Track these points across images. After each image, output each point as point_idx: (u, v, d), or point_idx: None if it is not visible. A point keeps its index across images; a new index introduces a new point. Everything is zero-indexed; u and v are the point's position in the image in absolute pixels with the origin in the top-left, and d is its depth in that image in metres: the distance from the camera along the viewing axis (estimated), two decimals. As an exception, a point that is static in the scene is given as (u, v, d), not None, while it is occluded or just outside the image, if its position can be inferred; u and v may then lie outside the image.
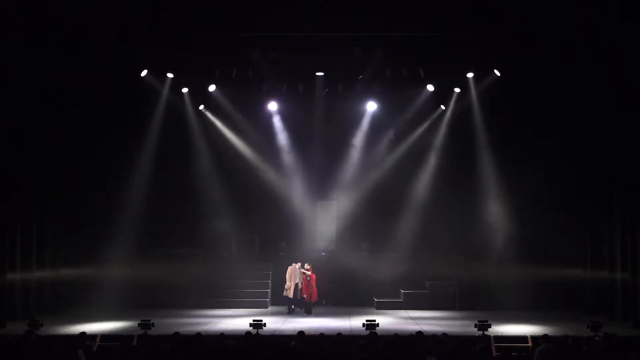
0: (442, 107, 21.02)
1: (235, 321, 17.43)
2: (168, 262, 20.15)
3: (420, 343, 11.98)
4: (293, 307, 19.11)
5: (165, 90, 20.06)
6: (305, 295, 19.06)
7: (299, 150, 21.61)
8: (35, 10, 15.99)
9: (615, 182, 18.00)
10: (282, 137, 21.66)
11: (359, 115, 21.33)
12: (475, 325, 14.03)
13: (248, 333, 13.06)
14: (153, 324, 13.92)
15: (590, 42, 16.65)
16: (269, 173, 21.61)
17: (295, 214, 21.59)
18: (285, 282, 19.19)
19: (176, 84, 20.14)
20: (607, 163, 18.15)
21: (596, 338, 12.71)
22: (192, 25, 16.82)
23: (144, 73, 19.24)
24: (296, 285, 19.02)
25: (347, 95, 20.60)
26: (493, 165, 20.30)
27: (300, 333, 12.79)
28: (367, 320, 13.86)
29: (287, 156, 21.66)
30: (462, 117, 20.63)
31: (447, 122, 21.07)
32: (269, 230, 21.71)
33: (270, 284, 21.01)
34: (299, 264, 19.34)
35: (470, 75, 19.68)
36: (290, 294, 19.04)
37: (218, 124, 21.50)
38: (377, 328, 13.71)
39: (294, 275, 19.12)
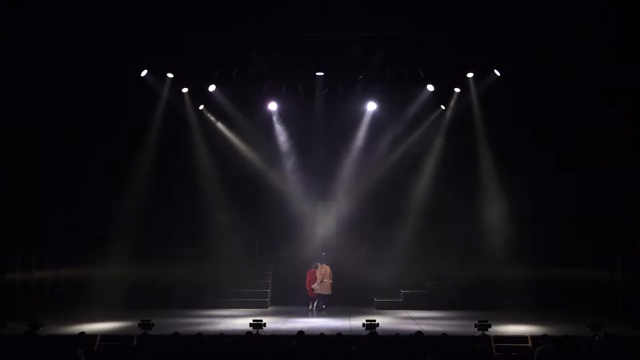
0: (442, 107, 21.04)
1: (235, 321, 17.43)
2: (168, 262, 20.17)
3: (420, 343, 11.98)
4: (324, 306, 19.55)
5: (165, 90, 20.08)
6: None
7: (299, 150, 21.59)
8: (34, 9, 16.02)
9: (614, 182, 17.98)
10: (281, 137, 21.65)
11: (359, 116, 21.33)
12: (475, 325, 14.03)
13: (248, 333, 13.07)
14: (153, 324, 13.92)
15: (591, 42, 16.67)
16: (269, 173, 21.60)
17: (295, 214, 21.59)
18: (320, 282, 19.62)
19: (176, 84, 20.15)
20: (607, 163, 18.13)
21: (596, 338, 12.71)
22: (192, 26, 16.83)
23: (144, 73, 19.26)
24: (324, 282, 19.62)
25: (347, 95, 20.59)
26: (493, 165, 20.30)
27: (300, 333, 12.80)
28: (367, 320, 13.86)
29: (287, 156, 21.65)
30: (462, 117, 20.63)
31: (447, 122, 21.07)
32: (269, 230, 21.69)
33: (270, 284, 21.03)
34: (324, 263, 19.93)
35: (470, 75, 19.71)
36: (328, 290, 19.62)
37: (218, 124, 21.51)
38: (377, 328, 13.72)
39: (327, 274, 19.67)
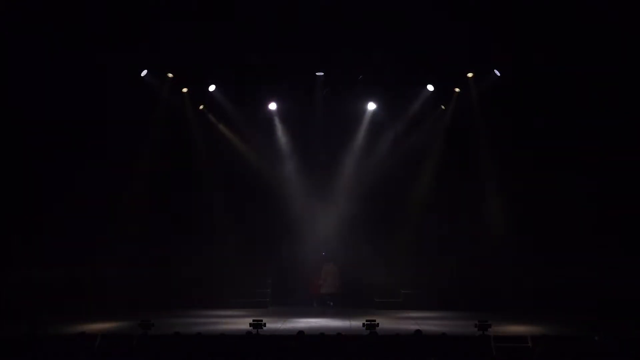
0: (442, 107, 21.05)
1: (235, 321, 17.43)
2: (168, 262, 20.18)
3: (420, 343, 11.99)
4: (331, 303, 20.06)
5: (165, 91, 20.09)
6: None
7: (299, 150, 21.60)
8: (35, 10, 16.04)
9: (615, 181, 18.00)
10: (282, 137, 21.65)
11: (359, 116, 21.34)
12: (475, 325, 14.02)
13: (248, 333, 13.07)
14: (153, 324, 13.91)
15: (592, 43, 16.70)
16: (269, 173, 21.60)
17: (295, 213, 21.58)
18: (321, 280, 20.24)
19: (176, 84, 20.16)
20: (606, 163, 18.15)
21: (596, 338, 12.71)
22: (192, 25, 16.84)
23: (144, 73, 19.27)
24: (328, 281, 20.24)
25: (347, 95, 20.61)
26: (494, 164, 20.30)
27: (300, 333, 12.81)
28: (367, 320, 13.85)
29: (287, 156, 21.64)
30: (462, 117, 20.64)
31: (447, 122, 21.07)
32: (270, 230, 21.68)
33: (270, 284, 21.04)
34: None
35: (470, 75, 19.73)
36: (328, 289, 20.20)
37: (218, 124, 21.51)
38: (377, 328, 13.72)
39: (331, 273, 20.21)
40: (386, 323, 16.28)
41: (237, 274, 20.76)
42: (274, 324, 16.49)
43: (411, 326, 16.34)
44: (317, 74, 19.92)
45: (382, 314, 18.97)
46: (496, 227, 20.14)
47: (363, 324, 13.89)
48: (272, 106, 21.15)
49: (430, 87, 20.27)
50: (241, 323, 16.25)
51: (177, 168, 20.83)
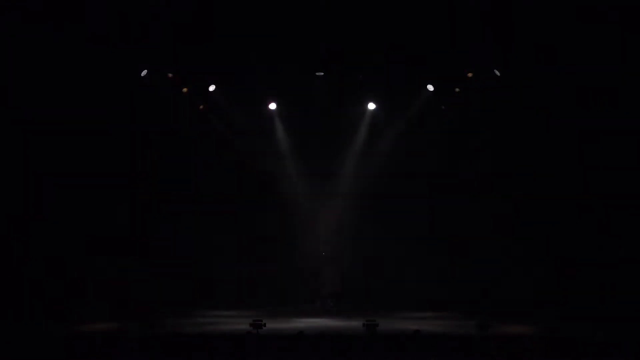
0: (442, 107, 21.06)
1: (235, 321, 17.43)
2: (167, 261, 20.19)
3: (420, 343, 12.01)
4: (332, 304, 20.15)
5: (165, 91, 20.11)
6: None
7: (298, 150, 21.62)
8: (34, 10, 16.06)
9: (617, 179, 18.01)
10: (281, 137, 21.67)
11: (359, 116, 21.35)
12: (476, 325, 14.04)
13: (248, 333, 13.07)
14: (154, 324, 13.93)
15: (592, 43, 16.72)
16: (268, 173, 21.61)
17: (294, 214, 21.60)
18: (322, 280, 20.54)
19: (176, 84, 20.18)
20: (606, 163, 18.15)
21: (596, 338, 12.73)
22: (192, 25, 16.85)
23: (144, 73, 19.29)
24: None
25: (347, 95, 20.62)
26: (494, 164, 20.32)
27: (300, 333, 12.82)
28: (367, 320, 13.86)
29: (287, 156, 21.66)
30: (462, 117, 20.67)
31: (447, 122, 21.08)
32: (269, 230, 21.69)
33: (270, 284, 21.04)
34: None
35: (470, 75, 19.75)
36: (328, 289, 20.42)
37: (218, 124, 21.52)
38: (377, 328, 13.72)
39: (332, 273, 20.51)
40: (386, 323, 16.30)
41: (237, 274, 20.78)
42: (274, 324, 16.49)
43: (411, 326, 16.36)
44: (317, 74, 19.94)
45: (382, 314, 18.98)
46: (496, 227, 20.14)
47: (363, 324, 13.91)
48: (272, 106, 21.17)
49: (430, 87, 20.29)
50: (241, 323, 16.26)
51: (176, 168, 20.84)
